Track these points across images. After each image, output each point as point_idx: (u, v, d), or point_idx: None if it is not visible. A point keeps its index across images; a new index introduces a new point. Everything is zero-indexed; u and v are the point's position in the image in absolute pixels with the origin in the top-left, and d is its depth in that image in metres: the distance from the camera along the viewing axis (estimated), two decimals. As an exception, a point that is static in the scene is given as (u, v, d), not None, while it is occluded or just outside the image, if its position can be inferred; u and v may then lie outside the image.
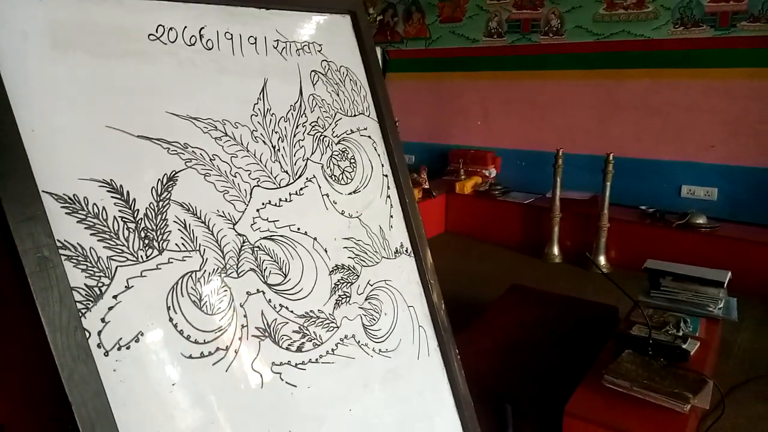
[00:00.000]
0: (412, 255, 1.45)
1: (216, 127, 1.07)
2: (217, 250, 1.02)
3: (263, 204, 1.12)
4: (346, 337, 1.23)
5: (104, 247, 0.87)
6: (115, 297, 0.87)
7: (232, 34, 1.13)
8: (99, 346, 0.84)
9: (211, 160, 1.05)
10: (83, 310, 0.83)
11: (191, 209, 1.00)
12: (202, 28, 1.08)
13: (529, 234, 4.10)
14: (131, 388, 0.86)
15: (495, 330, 2.42)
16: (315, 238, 1.21)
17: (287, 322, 1.11)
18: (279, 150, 1.18)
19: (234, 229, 1.06)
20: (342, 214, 1.29)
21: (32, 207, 0.80)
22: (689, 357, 1.92)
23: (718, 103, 3.79)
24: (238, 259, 1.05)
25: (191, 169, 1.01)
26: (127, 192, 0.92)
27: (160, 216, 0.95)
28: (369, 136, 1.41)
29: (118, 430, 0.83)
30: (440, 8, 4.94)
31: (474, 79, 4.85)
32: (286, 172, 1.18)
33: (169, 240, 0.95)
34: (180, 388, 0.92)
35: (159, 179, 0.96)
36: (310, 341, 1.15)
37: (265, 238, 1.11)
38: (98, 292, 0.85)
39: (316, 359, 1.15)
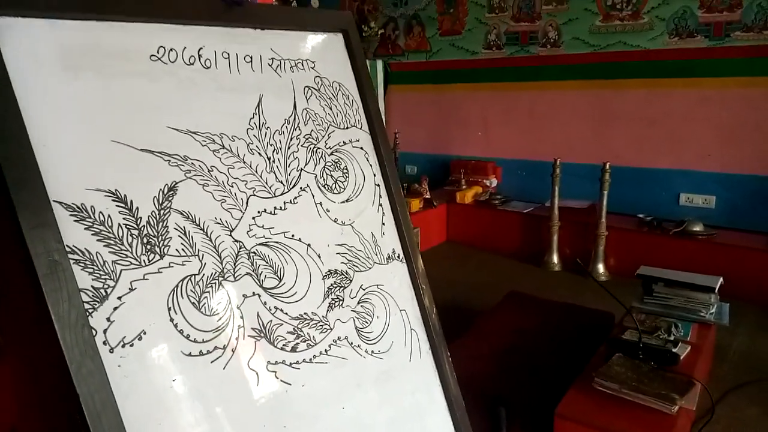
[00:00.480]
0: (404, 261, 1.51)
1: (214, 141, 1.14)
2: (215, 255, 1.09)
3: (259, 212, 1.19)
4: (339, 338, 1.29)
5: (110, 251, 0.94)
6: (119, 298, 0.94)
7: (229, 54, 1.21)
8: (105, 343, 0.91)
9: (209, 171, 1.12)
10: (90, 310, 0.90)
11: (191, 217, 1.07)
12: (201, 48, 1.16)
13: (529, 243, 4.16)
14: (134, 383, 0.93)
15: (491, 335, 2.47)
16: (309, 245, 1.28)
17: (282, 324, 1.18)
18: (274, 161, 1.25)
19: (231, 235, 1.13)
20: (335, 221, 1.36)
21: (43, 215, 0.87)
22: (679, 360, 1.97)
23: (713, 111, 3.85)
24: (234, 264, 1.12)
25: (191, 180, 1.08)
26: (131, 201, 0.99)
27: (161, 223, 1.02)
28: (361, 148, 1.48)
29: (122, 420, 0.89)
30: (440, 21, 5.03)
31: (474, 91, 4.93)
32: (281, 182, 1.25)
33: (169, 246, 1.02)
34: (180, 383, 0.99)
35: (160, 189, 1.03)
36: (304, 342, 1.21)
37: (260, 244, 1.18)
38: (104, 294, 0.92)
39: (310, 359, 1.21)
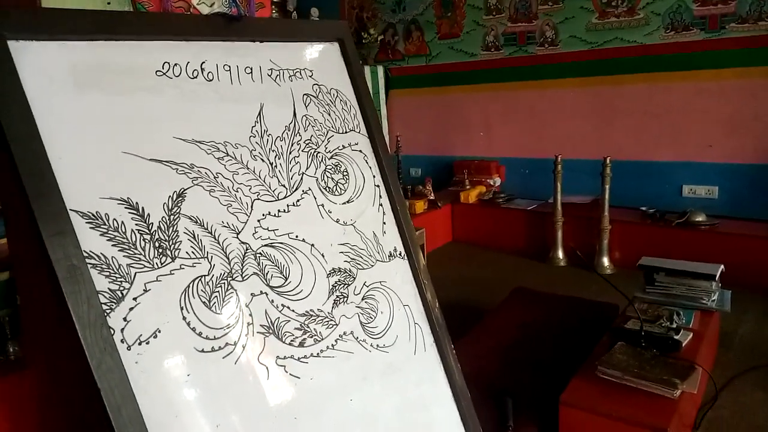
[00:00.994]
0: (406, 258, 1.56)
1: (218, 149, 1.21)
2: (223, 256, 1.15)
3: (263, 215, 1.25)
4: (344, 333, 1.34)
5: (124, 256, 1.01)
6: (134, 299, 1.00)
7: (230, 66, 1.28)
8: (122, 341, 0.97)
9: (215, 177, 1.18)
10: (107, 311, 0.96)
11: (199, 221, 1.13)
12: (203, 62, 1.22)
13: (534, 239, 4.20)
14: (151, 378, 0.99)
15: (497, 331, 2.51)
16: (312, 245, 1.34)
17: (289, 320, 1.24)
18: (276, 166, 1.31)
19: (238, 238, 1.19)
20: (337, 222, 1.42)
21: (62, 223, 0.94)
22: (681, 347, 2.00)
23: (712, 103, 3.88)
24: (242, 265, 1.18)
25: (198, 186, 1.15)
26: (142, 208, 1.06)
27: (171, 228, 1.09)
28: (360, 150, 1.54)
29: (141, 413, 0.96)
30: (438, 25, 5.10)
31: (474, 92, 4.99)
32: (284, 186, 1.32)
33: (180, 249, 1.09)
34: (194, 378, 1.05)
35: (170, 196, 1.10)
36: (311, 337, 1.27)
37: (266, 245, 1.24)
38: (120, 295, 0.99)
39: (318, 353, 1.27)
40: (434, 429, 1.46)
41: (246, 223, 1.21)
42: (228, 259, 1.16)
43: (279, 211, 1.29)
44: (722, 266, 2.41)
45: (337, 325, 1.33)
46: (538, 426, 1.88)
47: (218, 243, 1.15)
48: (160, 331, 1.02)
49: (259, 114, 1.31)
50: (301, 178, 1.36)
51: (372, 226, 1.51)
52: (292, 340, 1.23)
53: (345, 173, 1.47)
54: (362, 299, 1.41)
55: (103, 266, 0.98)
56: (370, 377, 1.37)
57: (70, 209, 0.96)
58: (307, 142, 1.40)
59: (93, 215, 0.99)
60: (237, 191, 1.22)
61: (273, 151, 1.31)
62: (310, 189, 1.37)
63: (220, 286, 1.13)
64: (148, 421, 0.96)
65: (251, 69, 1.33)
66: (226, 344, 1.11)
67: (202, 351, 1.07)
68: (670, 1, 3.92)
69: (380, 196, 1.55)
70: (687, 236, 3.54)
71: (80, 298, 0.93)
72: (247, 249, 1.20)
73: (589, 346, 2.18)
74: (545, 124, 4.62)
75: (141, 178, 1.07)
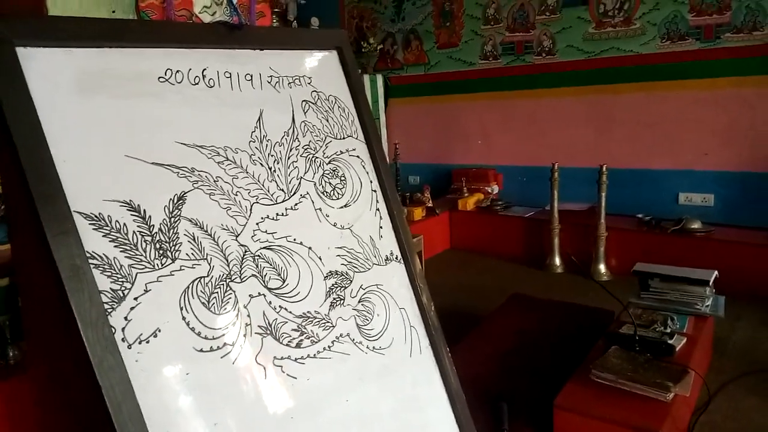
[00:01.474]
0: (402, 261, 1.59)
1: (219, 153, 1.24)
2: (222, 258, 1.18)
3: (262, 218, 1.28)
4: (341, 335, 1.37)
5: (126, 256, 1.04)
6: (135, 299, 1.03)
7: (230, 73, 1.31)
8: (123, 340, 1.00)
9: (215, 181, 1.21)
10: (109, 310, 0.99)
11: (199, 224, 1.16)
12: (205, 69, 1.26)
13: (531, 246, 4.23)
14: (151, 376, 1.01)
15: (494, 337, 2.54)
16: (310, 248, 1.36)
17: (287, 322, 1.26)
18: (275, 171, 1.34)
19: (237, 240, 1.22)
20: (334, 225, 1.45)
21: (65, 224, 0.97)
22: (675, 351, 2.03)
23: (708, 112, 3.92)
24: (241, 267, 1.21)
25: (198, 190, 1.18)
26: (144, 210, 1.08)
27: (172, 230, 1.11)
28: (357, 156, 1.57)
29: (141, 411, 0.98)
30: (437, 35, 5.15)
31: (473, 101, 5.03)
32: (282, 190, 1.34)
33: (180, 250, 1.12)
34: (192, 377, 1.07)
35: (170, 199, 1.13)
36: (308, 338, 1.29)
37: (264, 248, 1.27)
38: (121, 295, 1.01)
39: (314, 354, 1.29)
40: (429, 430, 1.48)
41: (245, 225, 1.24)
42: (227, 261, 1.19)
43: (277, 214, 1.32)
44: (716, 272, 2.44)
45: (333, 326, 1.35)
46: (533, 430, 1.90)
47: (218, 245, 1.18)
48: (160, 331, 1.04)
49: (259, 120, 1.34)
50: (299, 183, 1.39)
51: (369, 230, 1.53)
52: (289, 341, 1.25)
53: (342, 178, 1.50)
54: (359, 302, 1.44)
55: (105, 266, 1.01)
56: (366, 378, 1.39)
57: (74, 211, 0.99)
58: (305, 147, 1.43)
59: (96, 217, 1.02)
60: (236, 195, 1.24)
61: (272, 155, 1.34)
62: (308, 193, 1.40)
63: (219, 288, 1.16)
64: (148, 419, 0.98)
65: (251, 76, 1.36)
66: (225, 344, 1.13)
67: (201, 351, 1.09)
68: (666, 11, 3.98)
69: (377, 201, 1.58)
70: (682, 243, 3.57)
71: (83, 297, 0.95)
72: (245, 251, 1.23)
73: (584, 351, 2.20)
74: (542, 133, 4.66)
75: (143, 181, 1.10)
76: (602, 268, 3.75)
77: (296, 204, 1.37)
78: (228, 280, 1.18)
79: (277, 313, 1.25)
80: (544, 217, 4.15)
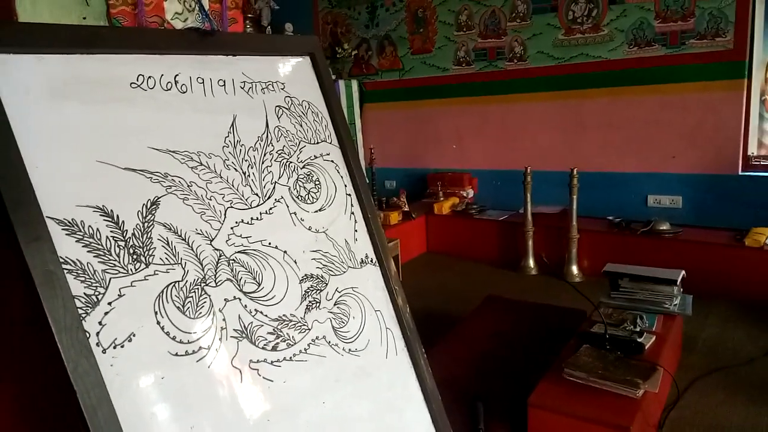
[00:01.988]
0: (377, 264, 1.61)
1: (192, 158, 1.24)
2: (196, 263, 1.19)
3: (237, 222, 1.29)
4: (317, 338, 1.38)
5: (99, 261, 1.04)
6: (109, 304, 1.03)
7: (203, 79, 1.32)
8: (98, 344, 1.00)
9: (188, 186, 1.22)
10: (83, 315, 0.99)
11: (173, 228, 1.16)
12: (177, 75, 1.26)
13: (506, 249, 4.28)
14: (126, 381, 1.02)
15: (470, 338, 2.57)
16: (285, 251, 1.38)
17: (262, 325, 1.27)
18: (249, 176, 1.35)
19: (211, 244, 1.22)
20: (309, 229, 1.46)
21: (38, 230, 0.97)
22: (644, 349, 2.08)
23: (675, 115, 4.03)
24: (215, 271, 1.21)
25: (171, 195, 1.18)
26: (117, 215, 1.08)
27: (146, 235, 1.12)
28: (332, 161, 1.58)
29: (116, 415, 0.98)
30: (411, 41, 5.20)
31: (447, 106, 5.09)
32: (257, 195, 1.35)
33: (154, 255, 1.12)
34: (168, 381, 1.07)
35: (144, 204, 1.13)
36: (284, 341, 1.30)
37: (239, 252, 1.28)
38: (95, 300, 1.01)
39: (290, 357, 1.30)
40: (406, 431, 1.50)
41: (219, 230, 1.25)
42: (202, 265, 1.19)
43: (252, 218, 1.33)
44: (683, 271, 2.51)
45: (309, 329, 1.36)
46: (509, 428, 1.93)
47: (192, 250, 1.18)
48: (134, 335, 1.05)
49: (232, 125, 1.35)
50: (274, 187, 1.40)
51: (344, 233, 1.55)
52: (265, 345, 1.26)
53: (317, 182, 1.52)
54: (334, 304, 1.45)
55: (79, 272, 1.00)
56: (343, 380, 1.40)
57: (47, 216, 0.99)
58: (279, 152, 1.44)
59: (69, 222, 1.02)
60: (210, 199, 1.25)
61: (246, 160, 1.35)
62: (282, 197, 1.41)
63: (194, 292, 1.16)
64: (124, 423, 0.98)
65: (224, 81, 1.37)
66: (200, 348, 1.14)
67: (176, 354, 1.10)
68: (632, 18, 4.08)
69: (352, 205, 1.60)
70: (652, 244, 3.66)
71: (57, 302, 0.95)
72: (220, 255, 1.23)
73: (557, 350, 2.25)
74: (515, 137, 4.74)
75: (116, 186, 1.10)
76: (574, 269, 3.82)
77: (271, 208, 1.38)
78: (203, 285, 1.18)
79: (253, 316, 1.25)
80: (517, 220, 4.21)
